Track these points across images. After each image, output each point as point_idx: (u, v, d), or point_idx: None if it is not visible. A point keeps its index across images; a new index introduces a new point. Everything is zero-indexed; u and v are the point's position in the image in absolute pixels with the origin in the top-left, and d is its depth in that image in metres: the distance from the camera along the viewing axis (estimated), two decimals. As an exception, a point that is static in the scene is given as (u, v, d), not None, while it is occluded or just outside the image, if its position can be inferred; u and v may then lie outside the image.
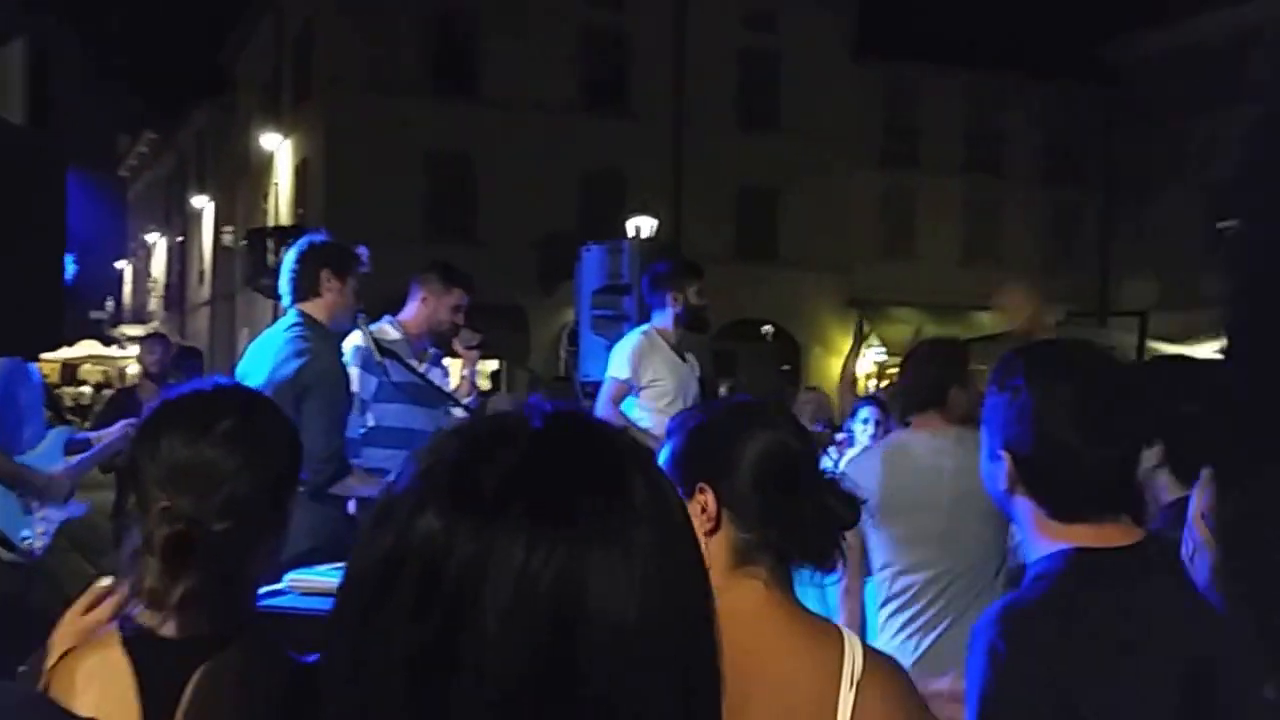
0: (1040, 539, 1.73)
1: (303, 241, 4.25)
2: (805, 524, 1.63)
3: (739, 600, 1.56)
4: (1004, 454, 1.74)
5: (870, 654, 1.58)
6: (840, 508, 1.67)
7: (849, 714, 1.50)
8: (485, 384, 10.24)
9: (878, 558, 3.58)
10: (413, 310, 4.78)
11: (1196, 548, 1.38)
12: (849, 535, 2.40)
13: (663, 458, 1.72)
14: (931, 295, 25.36)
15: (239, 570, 1.50)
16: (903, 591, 3.49)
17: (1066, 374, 1.74)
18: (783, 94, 25.31)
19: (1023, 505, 1.74)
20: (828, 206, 24.88)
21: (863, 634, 3.66)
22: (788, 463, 1.66)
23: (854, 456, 4.63)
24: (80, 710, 1.35)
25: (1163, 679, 1.58)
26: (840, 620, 3.87)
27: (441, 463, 0.76)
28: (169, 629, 1.46)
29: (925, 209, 26.79)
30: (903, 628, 3.46)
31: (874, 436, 6.10)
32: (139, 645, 1.45)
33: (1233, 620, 1.63)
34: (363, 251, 4.32)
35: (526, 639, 0.69)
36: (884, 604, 3.56)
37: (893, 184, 26.44)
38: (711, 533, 1.63)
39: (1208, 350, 17.98)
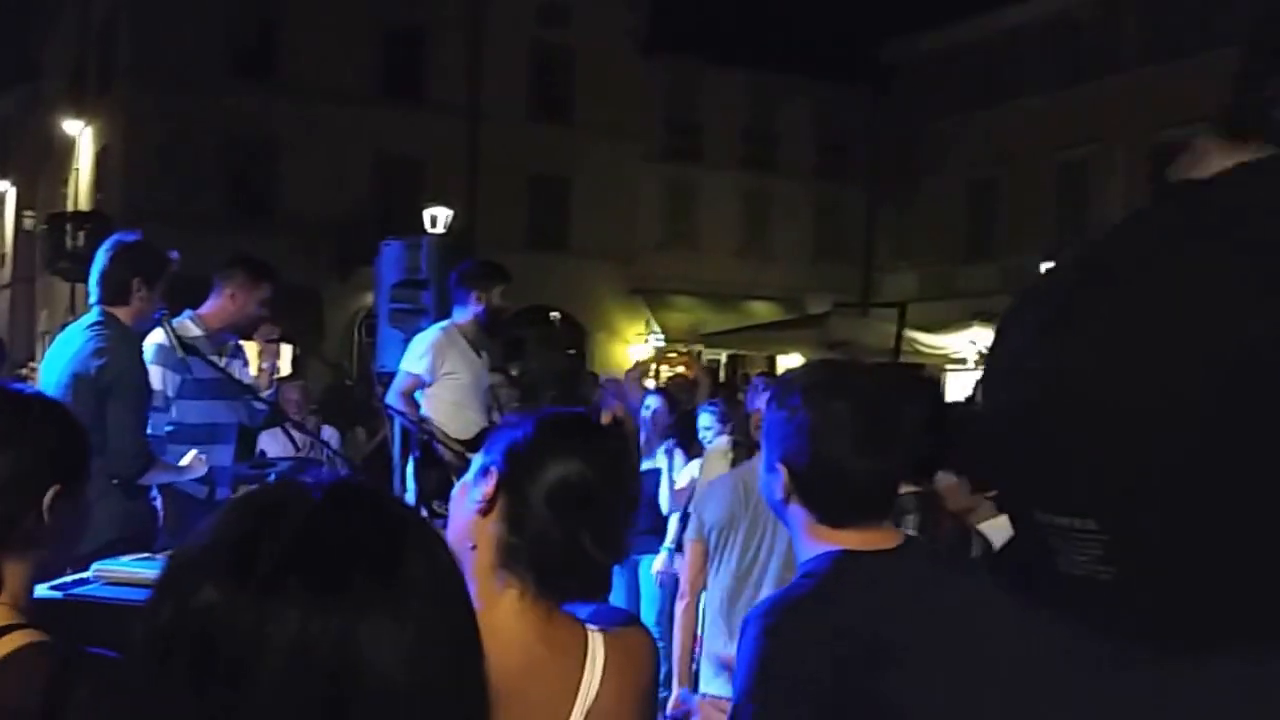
0: (810, 542, 1.84)
1: (114, 241, 4.16)
2: (576, 560, 1.58)
3: (495, 616, 1.52)
4: (780, 467, 1.84)
5: (614, 653, 1.57)
6: (606, 553, 1.60)
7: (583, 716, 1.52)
8: (287, 371, 10.06)
9: (721, 570, 3.76)
10: (216, 305, 4.68)
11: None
12: (689, 551, 2.48)
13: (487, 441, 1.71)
14: (711, 284, 26.09)
15: None
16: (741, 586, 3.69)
17: (839, 394, 1.83)
18: (575, 87, 25.48)
19: (796, 512, 1.85)
20: (614, 198, 25.17)
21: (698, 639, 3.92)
22: (583, 496, 1.58)
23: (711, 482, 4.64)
24: None
25: (929, 671, 1.60)
26: (676, 634, 4.11)
27: (223, 536, 0.78)
28: None
29: (706, 201, 27.27)
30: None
31: (651, 425, 6.36)
32: None
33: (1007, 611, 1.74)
34: (174, 256, 4.27)
35: (303, 707, 0.72)
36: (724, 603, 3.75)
37: (676, 177, 26.83)
38: (485, 513, 1.59)
39: (960, 339, 19.00)
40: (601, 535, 1.57)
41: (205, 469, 4.21)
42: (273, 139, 22.60)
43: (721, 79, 26.65)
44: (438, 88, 24.31)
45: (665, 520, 6.25)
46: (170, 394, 4.40)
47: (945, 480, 3.22)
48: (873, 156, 28.02)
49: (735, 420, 5.98)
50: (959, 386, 17.17)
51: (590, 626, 1.59)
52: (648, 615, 6.31)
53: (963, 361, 18.71)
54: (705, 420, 6.16)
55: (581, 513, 1.56)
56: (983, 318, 19.26)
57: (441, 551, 0.82)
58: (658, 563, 6.21)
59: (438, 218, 18.52)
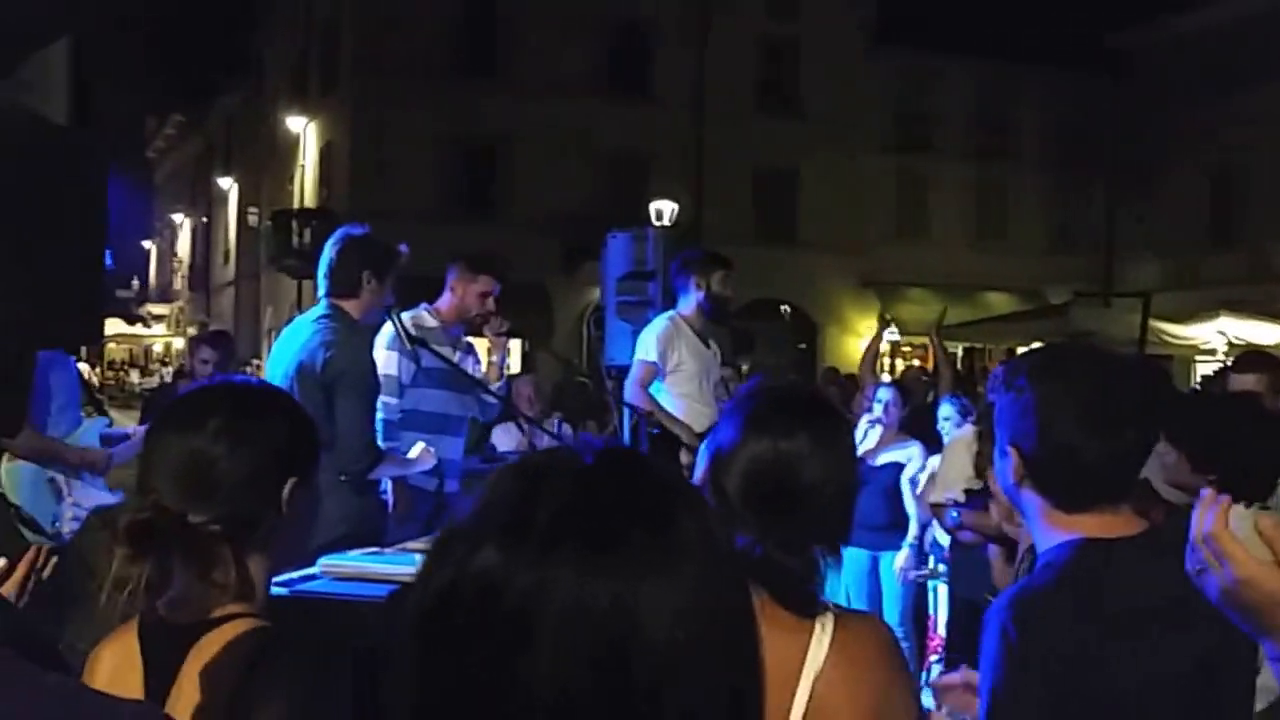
0: (1048, 530, 1.76)
1: (342, 234, 4.16)
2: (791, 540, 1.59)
3: None
4: (1011, 450, 1.77)
5: (841, 634, 1.54)
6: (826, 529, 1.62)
7: (809, 689, 1.49)
8: (517, 367, 10.23)
9: None
10: (446, 298, 4.74)
11: (1203, 568, 1.34)
12: None
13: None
14: (944, 276, 25.25)
15: (219, 556, 1.50)
16: None
17: (1067, 373, 1.78)
18: (801, 80, 25.15)
19: (1030, 499, 1.77)
20: (843, 190, 24.78)
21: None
22: (777, 473, 1.60)
23: None
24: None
25: (1175, 658, 1.58)
26: None
27: (497, 500, 0.78)
28: (174, 615, 1.50)
29: (937, 192, 26.65)
30: None
31: (885, 418, 6.03)
32: (149, 630, 1.50)
33: None
34: (403, 249, 4.27)
35: (580, 665, 0.72)
36: None
37: (906, 168, 26.26)
38: None
39: (1208, 330, 17.83)
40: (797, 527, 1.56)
41: (434, 461, 4.16)
42: (497, 135, 23.16)
43: (951, 68, 26.05)
44: (662, 82, 24.46)
45: (905, 515, 5.93)
46: (405, 380, 4.40)
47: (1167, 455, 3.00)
48: (1111, 145, 26.71)
49: (979, 410, 5.60)
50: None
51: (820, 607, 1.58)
52: (890, 615, 5.99)
53: (1212, 352, 17.74)
54: (946, 411, 5.84)
55: (776, 500, 1.55)
56: (1229, 307, 18.43)
57: (710, 514, 0.82)
58: (900, 559, 5.91)
59: (663, 211, 18.52)
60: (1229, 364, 5.69)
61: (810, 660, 1.51)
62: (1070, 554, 1.73)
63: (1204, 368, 20.93)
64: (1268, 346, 19.56)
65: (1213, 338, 17.92)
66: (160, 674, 1.47)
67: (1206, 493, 1.40)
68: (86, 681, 1.45)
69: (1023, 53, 24.98)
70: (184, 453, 1.50)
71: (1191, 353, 19.09)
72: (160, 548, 1.43)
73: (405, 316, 4.36)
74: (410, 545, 3.53)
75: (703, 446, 1.69)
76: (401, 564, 3.26)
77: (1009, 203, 27.22)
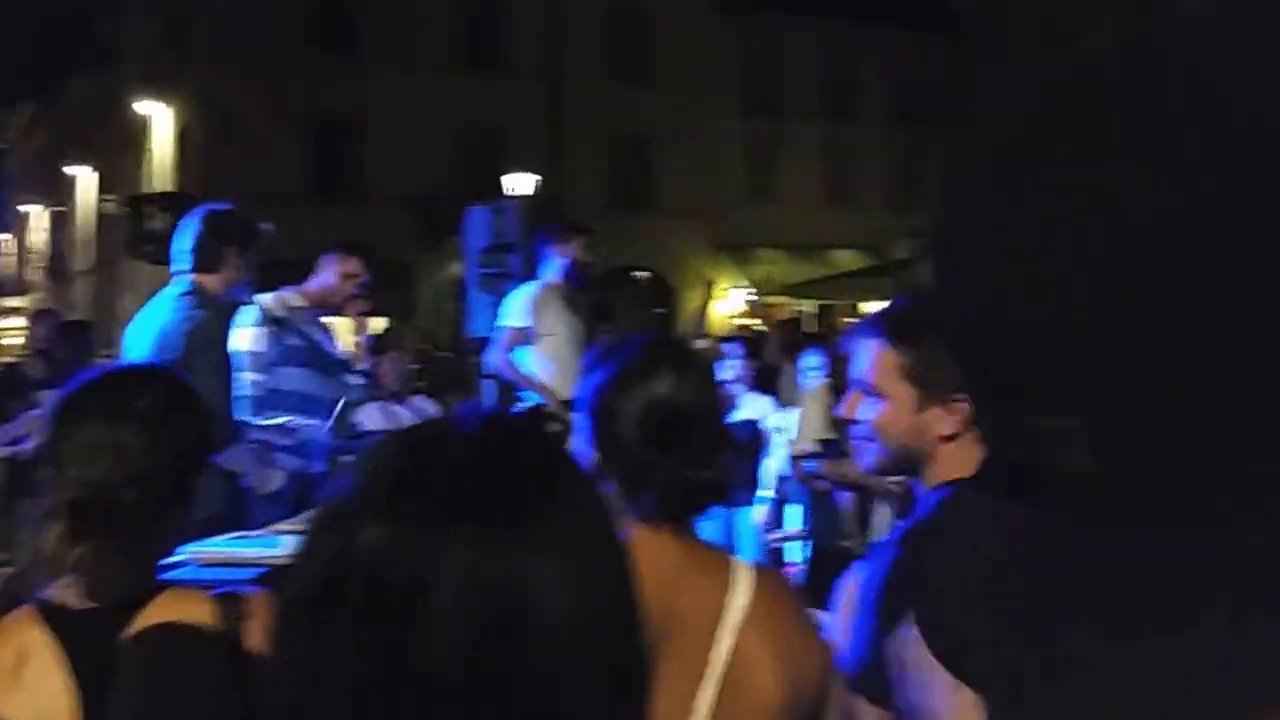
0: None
1: (203, 211, 4.04)
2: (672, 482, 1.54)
3: (646, 550, 1.51)
4: (962, 401, 1.78)
5: (760, 582, 1.53)
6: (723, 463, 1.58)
7: (731, 640, 1.47)
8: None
9: None
10: (315, 281, 4.63)
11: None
12: None
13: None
14: (795, 236, 25.67)
15: (145, 540, 1.51)
16: None
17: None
18: (654, 48, 25.14)
19: (951, 448, 1.79)
20: (697, 155, 24.86)
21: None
22: (667, 417, 1.54)
23: None
24: (16, 690, 1.39)
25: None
26: None
27: (380, 474, 0.74)
28: (79, 600, 1.46)
29: (787, 155, 26.92)
30: None
31: (738, 376, 6.11)
32: (57, 619, 1.46)
33: None
34: (265, 226, 4.16)
35: (473, 638, 0.69)
36: None
37: (757, 132, 26.48)
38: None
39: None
40: (698, 456, 1.54)
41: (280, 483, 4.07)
42: (354, 113, 22.57)
43: (796, 33, 26.20)
44: (517, 54, 24.13)
45: (759, 472, 6.04)
46: (271, 359, 4.29)
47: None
48: (949, 100, 27.32)
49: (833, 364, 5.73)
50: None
51: (734, 557, 1.58)
52: (749, 569, 6.11)
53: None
54: (812, 361, 5.93)
55: (674, 433, 1.52)
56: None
57: (594, 483, 0.80)
58: (758, 513, 6.01)
59: (519, 183, 18.31)
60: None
61: (732, 607, 1.50)
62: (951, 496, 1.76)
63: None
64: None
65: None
66: (88, 663, 1.43)
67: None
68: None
69: (864, 15, 25.32)
70: (107, 438, 1.49)
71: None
72: (100, 527, 1.42)
73: (271, 296, 4.26)
74: (279, 527, 3.44)
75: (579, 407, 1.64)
76: (270, 547, 3.18)
77: (856, 163, 27.62)
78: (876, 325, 1.84)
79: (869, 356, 1.82)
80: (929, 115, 27.58)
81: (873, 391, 1.81)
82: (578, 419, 1.60)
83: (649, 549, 1.44)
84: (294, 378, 4.37)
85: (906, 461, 1.83)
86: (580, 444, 1.58)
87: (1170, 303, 0.68)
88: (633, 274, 23.89)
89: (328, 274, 4.62)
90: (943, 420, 1.76)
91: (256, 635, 1.47)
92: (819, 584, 5.21)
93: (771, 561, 6.15)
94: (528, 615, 0.70)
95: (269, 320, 4.15)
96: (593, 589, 0.73)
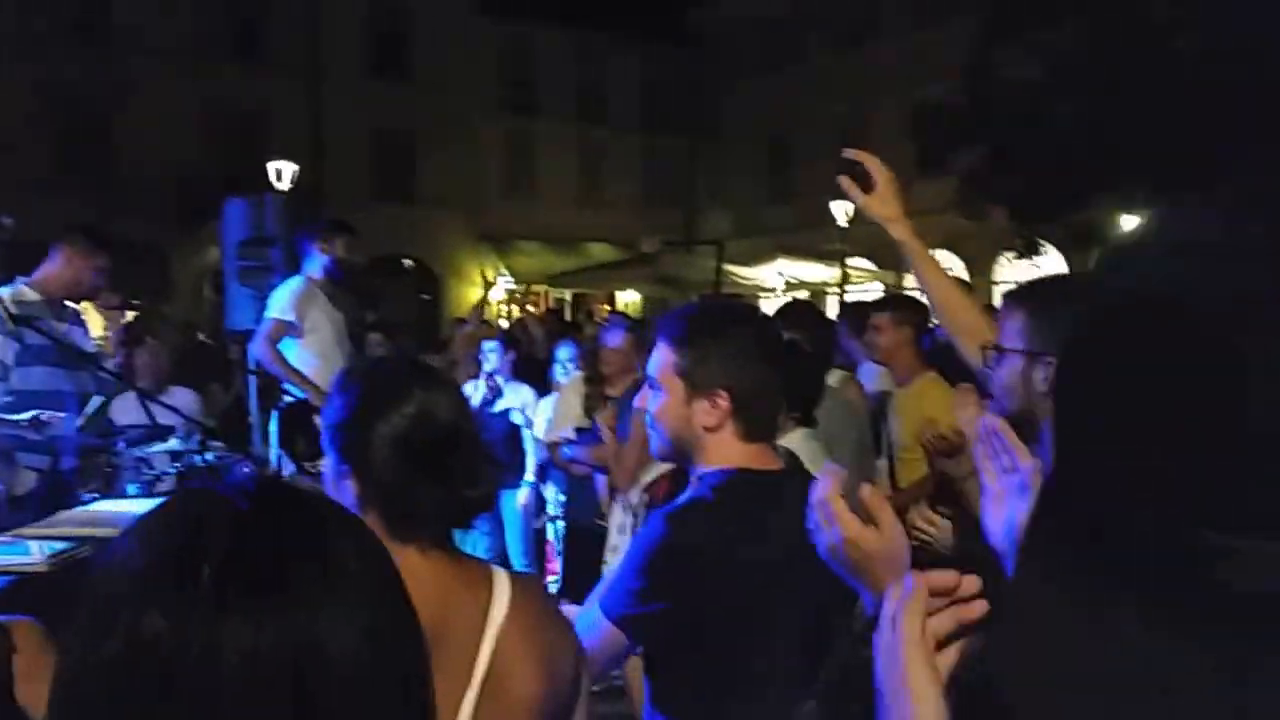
0: (716, 458, 1.89)
1: None
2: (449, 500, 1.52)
3: (405, 566, 1.47)
4: (720, 395, 1.88)
5: (517, 590, 1.53)
6: (485, 478, 1.55)
7: (491, 649, 1.47)
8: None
9: None
10: (52, 271, 4.23)
11: (816, 528, 1.41)
12: None
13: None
14: (552, 229, 25.78)
15: None
16: None
17: (748, 321, 2.00)
18: (414, 46, 24.56)
19: (719, 435, 1.90)
20: (457, 150, 24.50)
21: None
22: (423, 439, 1.49)
23: None
24: None
25: (800, 582, 1.62)
26: None
27: (155, 556, 0.72)
28: None
29: (545, 153, 26.91)
30: None
31: (498, 368, 6.04)
32: None
33: None
34: (6, 221, 3.77)
35: (268, 710, 0.69)
36: None
37: (516, 129, 26.34)
38: (363, 509, 1.48)
39: (770, 271, 19.38)
40: (456, 474, 1.51)
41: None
42: (113, 97, 20.97)
43: (552, 37, 26.16)
44: (278, 44, 23.02)
45: (524, 456, 6.03)
46: (9, 361, 3.91)
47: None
48: (690, 110, 28.10)
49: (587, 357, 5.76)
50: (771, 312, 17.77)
51: (493, 566, 1.58)
52: (513, 547, 6.09)
53: (773, 290, 19.22)
54: (565, 354, 5.94)
55: (430, 454, 1.49)
56: (785, 251, 20.05)
57: (365, 533, 0.79)
58: (520, 497, 6.00)
59: (282, 171, 17.44)
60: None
61: (493, 617, 1.49)
62: (731, 478, 1.86)
63: (765, 304, 22.75)
64: (815, 283, 21.56)
65: (773, 278, 19.53)
66: None
67: (828, 465, 1.50)
68: None
69: (616, 24, 25.53)
70: None
71: (756, 291, 20.72)
72: None
73: (5, 292, 3.87)
74: (24, 532, 3.17)
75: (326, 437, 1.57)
76: (15, 554, 2.91)
77: (607, 162, 27.95)
78: (660, 327, 1.98)
79: (656, 355, 1.95)
80: (673, 120, 28.37)
81: (655, 385, 1.94)
82: (327, 448, 1.54)
83: (415, 570, 1.43)
84: (38, 377, 4.02)
85: (680, 448, 1.94)
86: (334, 472, 1.52)
87: None
88: (399, 262, 23.39)
89: (56, 262, 4.25)
90: (708, 413, 1.88)
91: (27, 674, 1.37)
92: (575, 560, 5.28)
93: (534, 540, 6.16)
94: (320, 676, 0.69)
95: (5, 319, 3.78)
96: (378, 634, 0.73)
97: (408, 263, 23.70)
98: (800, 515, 1.46)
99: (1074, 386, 0.59)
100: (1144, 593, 0.53)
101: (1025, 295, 2.02)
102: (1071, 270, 20.66)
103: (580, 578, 4.97)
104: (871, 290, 23.27)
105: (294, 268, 5.37)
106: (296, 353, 5.09)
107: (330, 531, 0.76)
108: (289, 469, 4.41)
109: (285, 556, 0.72)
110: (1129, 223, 16.32)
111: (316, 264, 5.20)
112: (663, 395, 1.92)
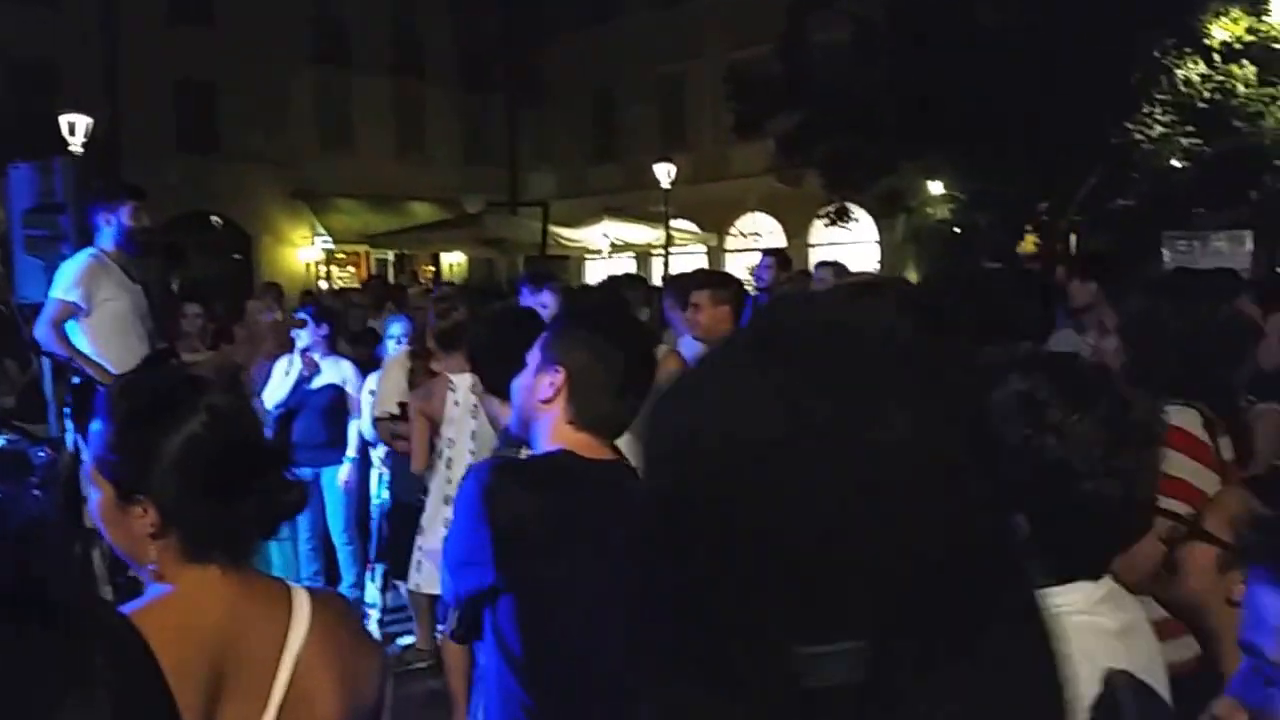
0: (551, 440, 1.95)
1: None
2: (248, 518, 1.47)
3: (194, 590, 1.42)
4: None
5: (317, 611, 1.50)
6: (283, 495, 1.49)
7: (291, 669, 1.44)
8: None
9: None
10: None
11: None
12: None
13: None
14: (371, 187, 24.92)
15: None
16: None
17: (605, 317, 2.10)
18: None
19: (550, 418, 1.95)
20: (266, 101, 23.32)
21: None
22: (217, 456, 1.42)
23: None
24: None
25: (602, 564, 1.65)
26: None
27: None
28: None
29: (360, 106, 25.91)
30: None
31: (314, 341, 5.82)
32: None
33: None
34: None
35: None
36: None
37: (328, 81, 25.18)
38: (158, 536, 1.41)
39: (595, 232, 19.35)
40: (246, 488, 1.45)
41: None
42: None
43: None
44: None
45: (345, 432, 5.86)
46: None
47: None
48: (509, 67, 27.56)
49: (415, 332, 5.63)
50: (597, 275, 17.70)
51: (292, 585, 1.53)
52: (335, 524, 5.93)
53: (598, 252, 19.25)
54: (397, 329, 5.78)
55: (217, 472, 1.42)
56: (611, 212, 20.07)
57: (130, 636, 0.75)
58: (342, 473, 5.84)
59: (76, 125, 16.18)
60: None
61: (292, 637, 1.45)
62: (554, 455, 1.92)
63: (592, 265, 22.76)
64: (640, 246, 21.73)
65: (598, 239, 19.51)
66: None
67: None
68: None
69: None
70: None
71: (582, 253, 20.65)
72: None
73: None
74: None
75: (94, 474, 1.45)
76: None
77: (426, 117, 27.15)
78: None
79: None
80: (493, 75, 27.76)
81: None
82: (99, 479, 1.44)
83: (204, 593, 1.42)
84: None
85: (524, 423, 2.00)
86: (111, 504, 1.44)
87: None
88: (208, 218, 22.22)
89: None
90: (545, 385, 1.94)
91: None
92: (398, 534, 5.19)
93: (358, 515, 6.00)
94: None
95: None
96: (122, 689, 0.69)
97: (216, 220, 22.53)
98: (611, 506, 1.49)
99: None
100: None
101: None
102: (880, 236, 21.55)
103: (403, 555, 4.90)
104: (695, 252, 23.65)
105: (88, 236, 5.03)
106: (87, 332, 4.79)
107: (90, 649, 0.70)
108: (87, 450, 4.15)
109: (37, 679, 0.67)
110: (935, 188, 17.12)
111: (107, 236, 4.91)
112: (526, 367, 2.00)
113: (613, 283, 6.47)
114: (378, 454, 5.77)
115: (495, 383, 2.86)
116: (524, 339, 2.06)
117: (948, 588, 0.55)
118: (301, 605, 1.49)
